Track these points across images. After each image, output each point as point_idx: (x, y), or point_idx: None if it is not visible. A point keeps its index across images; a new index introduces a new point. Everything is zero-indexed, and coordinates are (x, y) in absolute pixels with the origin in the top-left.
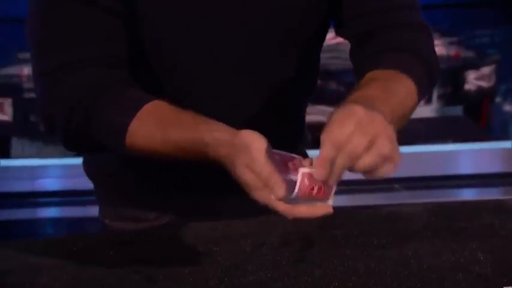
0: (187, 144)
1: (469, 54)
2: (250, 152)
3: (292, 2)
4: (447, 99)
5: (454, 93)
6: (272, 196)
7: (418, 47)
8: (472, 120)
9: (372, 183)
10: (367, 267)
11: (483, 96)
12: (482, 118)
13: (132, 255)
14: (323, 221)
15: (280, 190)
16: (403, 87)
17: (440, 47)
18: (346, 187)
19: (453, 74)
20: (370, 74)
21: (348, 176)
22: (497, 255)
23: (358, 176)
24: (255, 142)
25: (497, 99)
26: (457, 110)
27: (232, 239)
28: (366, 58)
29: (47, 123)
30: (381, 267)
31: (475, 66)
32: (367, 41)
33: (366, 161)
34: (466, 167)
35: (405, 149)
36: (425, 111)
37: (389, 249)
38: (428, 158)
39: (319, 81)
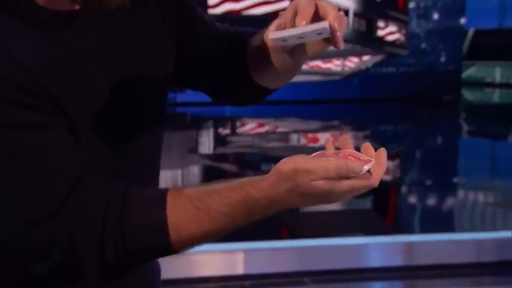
0: (236, 209)
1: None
2: (305, 170)
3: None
4: None
5: None
6: (349, 181)
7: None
8: (380, 213)
9: (281, 277)
10: None
11: (389, 189)
12: (389, 211)
13: None
14: None
15: (356, 163)
16: None
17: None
18: (255, 281)
19: None
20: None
21: (259, 269)
22: None
23: (269, 270)
24: (298, 161)
25: (403, 192)
26: (366, 203)
27: None
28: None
29: (74, 265)
30: None
31: None
32: (235, 52)
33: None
34: (374, 260)
35: (314, 242)
36: (335, 204)
37: None
38: (337, 251)
39: None
